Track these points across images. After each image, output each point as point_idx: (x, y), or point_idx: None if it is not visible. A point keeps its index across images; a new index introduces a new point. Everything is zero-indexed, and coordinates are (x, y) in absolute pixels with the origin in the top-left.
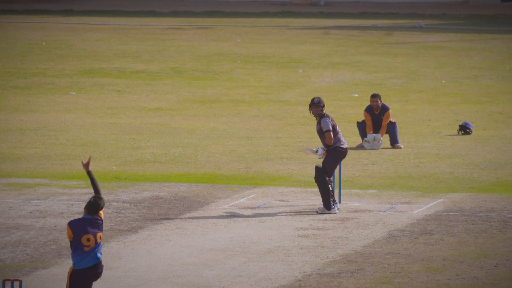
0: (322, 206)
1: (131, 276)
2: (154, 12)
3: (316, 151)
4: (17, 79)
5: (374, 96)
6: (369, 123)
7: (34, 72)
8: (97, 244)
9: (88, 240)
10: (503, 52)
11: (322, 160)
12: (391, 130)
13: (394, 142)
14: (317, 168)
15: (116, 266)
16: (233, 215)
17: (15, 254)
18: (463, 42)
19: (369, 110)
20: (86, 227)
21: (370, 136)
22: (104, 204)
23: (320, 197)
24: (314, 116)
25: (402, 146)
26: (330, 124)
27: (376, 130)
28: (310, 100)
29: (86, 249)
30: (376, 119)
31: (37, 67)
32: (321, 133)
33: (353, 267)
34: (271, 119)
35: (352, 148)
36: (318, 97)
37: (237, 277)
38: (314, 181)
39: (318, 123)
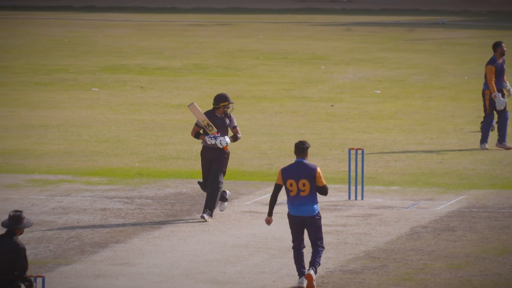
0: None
1: (154, 273)
2: (176, 8)
3: (220, 140)
4: (40, 75)
5: (502, 43)
6: (491, 77)
7: (57, 69)
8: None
9: (291, 185)
10: None
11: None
12: (502, 123)
13: (502, 139)
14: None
15: (139, 263)
16: (256, 212)
17: (38, 250)
18: (485, 38)
19: (492, 62)
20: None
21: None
22: None
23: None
24: (221, 113)
25: (511, 146)
26: None
27: (500, 80)
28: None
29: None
30: (500, 68)
31: (59, 63)
32: (228, 127)
33: (376, 263)
34: (294, 115)
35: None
36: (225, 94)
37: (260, 274)
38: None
39: (227, 118)
